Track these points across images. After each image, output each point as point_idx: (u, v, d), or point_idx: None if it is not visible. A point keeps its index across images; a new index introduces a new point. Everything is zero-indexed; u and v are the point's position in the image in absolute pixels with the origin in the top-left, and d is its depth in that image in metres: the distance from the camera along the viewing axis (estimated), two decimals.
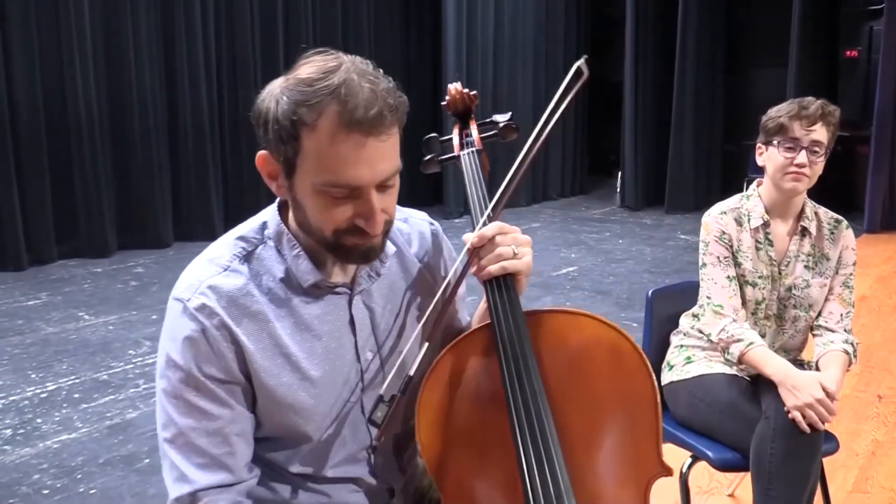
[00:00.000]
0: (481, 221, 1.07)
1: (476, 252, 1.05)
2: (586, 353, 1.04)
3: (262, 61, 7.00)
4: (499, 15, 8.52)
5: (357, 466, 1.10)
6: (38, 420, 2.96)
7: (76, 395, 3.20)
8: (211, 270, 1.01)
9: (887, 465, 2.58)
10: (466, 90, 1.24)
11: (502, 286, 1.03)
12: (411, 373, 1.00)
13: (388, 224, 1.00)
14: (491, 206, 1.09)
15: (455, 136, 1.23)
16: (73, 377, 3.42)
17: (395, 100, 0.94)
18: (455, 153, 1.21)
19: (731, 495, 2.39)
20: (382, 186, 0.96)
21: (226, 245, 1.04)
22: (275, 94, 0.94)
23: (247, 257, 1.02)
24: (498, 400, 0.98)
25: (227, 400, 0.98)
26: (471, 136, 1.21)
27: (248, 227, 1.06)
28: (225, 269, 1.01)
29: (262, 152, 0.99)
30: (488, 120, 1.24)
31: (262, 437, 1.05)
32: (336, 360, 1.05)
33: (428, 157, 1.24)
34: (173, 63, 6.40)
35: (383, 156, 0.93)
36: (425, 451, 1.01)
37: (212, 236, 6.15)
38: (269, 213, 1.06)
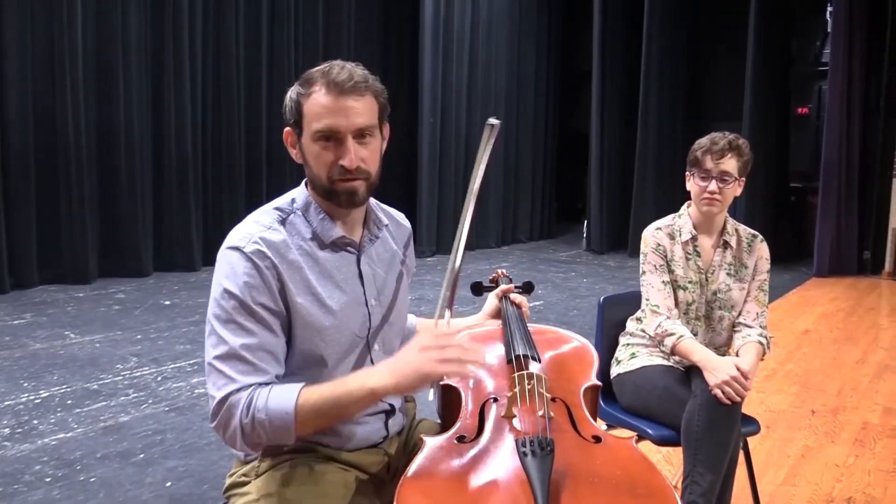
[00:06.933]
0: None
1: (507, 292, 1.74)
2: (558, 338, 1.72)
3: (246, 100, 7.33)
4: (472, 63, 9.01)
5: None
6: (35, 421, 3.14)
7: (69, 402, 3.39)
8: (258, 228, 1.33)
9: (814, 465, 2.88)
10: (504, 271, 1.92)
11: (512, 304, 1.70)
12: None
13: (368, 174, 1.33)
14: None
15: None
16: (64, 386, 3.60)
17: (369, 78, 1.32)
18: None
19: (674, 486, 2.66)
20: (360, 138, 1.30)
21: (266, 213, 1.37)
22: (291, 87, 1.35)
23: (283, 221, 1.36)
24: (500, 355, 1.56)
25: (270, 325, 1.27)
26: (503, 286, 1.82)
27: (281, 201, 1.40)
28: (268, 228, 1.33)
29: (285, 128, 1.36)
30: (517, 285, 1.86)
31: (290, 369, 1.31)
32: (350, 301, 1.37)
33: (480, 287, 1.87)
34: (161, 96, 6.70)
35: (357, 112, 1.29)
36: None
37: (191, 268, 6.43)
38: (297, 191, 1.40)
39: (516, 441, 1.23)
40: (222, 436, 1.26)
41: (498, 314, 1.72)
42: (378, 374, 1.21)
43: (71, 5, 5.87)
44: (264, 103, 7.41)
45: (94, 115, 6.25)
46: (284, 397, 1.21)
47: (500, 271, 1.94)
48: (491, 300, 1.76)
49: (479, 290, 1.89)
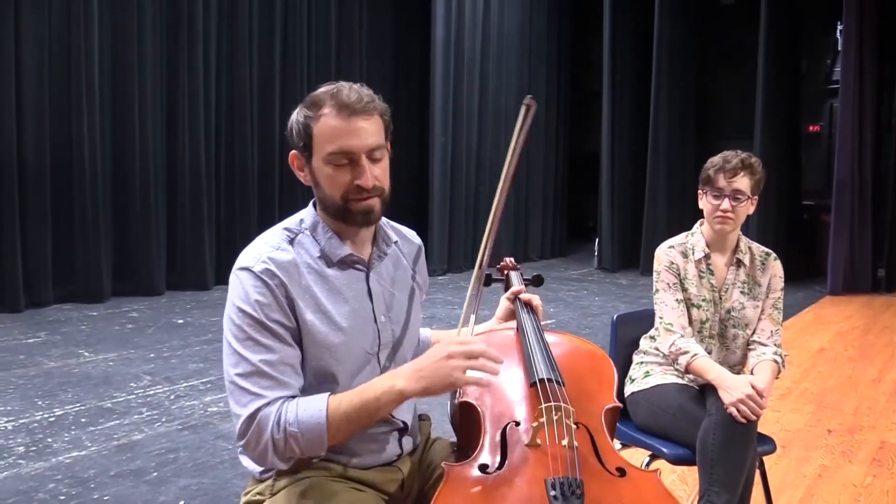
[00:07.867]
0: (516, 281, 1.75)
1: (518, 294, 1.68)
2: (577, 351, 1.66)
3: (259, 121, 7.41)
4: (483, 83, 9.06)
5: None
6: (49, 439, 3.16)
7: (83, 420, 3.40)
8: (267, 248, 1.34)
9: (831, 485, 2.84)
10: (512, 259, 1.87)
11: (527, 309, 1.64)
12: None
13: (382, 191, 1.34)
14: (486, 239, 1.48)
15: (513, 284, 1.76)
16: (78, 404, 3.62)
17: (375, 97, 1.34)
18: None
19: None
20: (372, 158, 1.32)
21: (274, 233, 1.39)
22: (296, 110, 1.36)
23: (291, 241, 1.37)
24: (520, 375, 1.50)
25: (286, 339, 1.29)
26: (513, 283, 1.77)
27: (290, 221, 1.41)
28: (277, 248, 1.35)
29: (292, 152, 1.37)
30: (526, 278, 1.82)
31: (304, 385, 1.32)
32: (358, 318, 1.38)
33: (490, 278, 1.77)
34: (174, 118, 6.78)
35: (368, 132, 1.31)
36: None
37: (204, 286, 6.50)
38: (306, 212, 1.42)
39: (545, 482, 1.22)
40: (252, 453, 1.27)
41: (510, 316, 1.68)
42: (406, 378, 1.22)
43: (88, 30, 5.97)
44: (277, 125, 7.47)
45: (109, 136, 6.34)
46: (314, 409, 1.23)
47: (508, 260, 1.89)
48: (502, 303, 1.71)
49: (487, 281, 1.79)
